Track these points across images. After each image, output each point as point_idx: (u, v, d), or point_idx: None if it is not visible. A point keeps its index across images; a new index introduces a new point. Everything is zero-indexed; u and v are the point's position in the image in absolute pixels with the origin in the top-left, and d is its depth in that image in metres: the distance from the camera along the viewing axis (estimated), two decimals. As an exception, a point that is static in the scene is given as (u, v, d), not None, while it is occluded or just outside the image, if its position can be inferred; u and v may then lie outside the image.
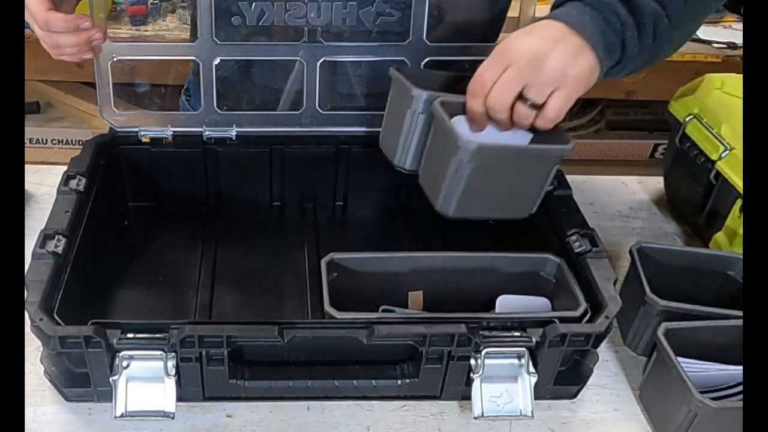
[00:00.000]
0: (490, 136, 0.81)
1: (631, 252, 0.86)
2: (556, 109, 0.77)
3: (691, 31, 0.85)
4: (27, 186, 1.07)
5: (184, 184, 1.04)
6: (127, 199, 1.06)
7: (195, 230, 1.03)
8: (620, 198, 1.14)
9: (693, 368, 0.77)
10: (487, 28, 1.05)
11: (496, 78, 0.77)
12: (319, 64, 0.97)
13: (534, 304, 0.85)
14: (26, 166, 1.06)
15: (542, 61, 0.76)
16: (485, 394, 0.75)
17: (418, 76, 0.87)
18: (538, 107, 0.77)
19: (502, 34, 1.07)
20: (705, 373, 0.78)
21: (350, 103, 1.05)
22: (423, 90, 0.83)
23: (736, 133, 0.96)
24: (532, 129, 0.81)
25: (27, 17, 0.85)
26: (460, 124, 0.81)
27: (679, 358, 0.74)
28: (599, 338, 0.76)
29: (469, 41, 1.01)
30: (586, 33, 0.76)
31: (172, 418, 0.73)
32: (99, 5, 0.92)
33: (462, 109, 0.81)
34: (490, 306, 0.85)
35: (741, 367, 0.78)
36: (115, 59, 0.95)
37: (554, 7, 0.81)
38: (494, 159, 0.79)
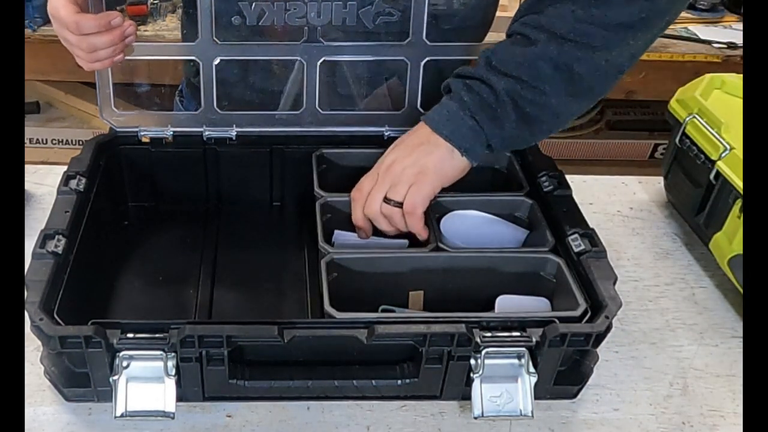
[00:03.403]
0: None
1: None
2: (411, 202, 0.87)
3: (588, 97, 0.88)
4: (27, 186, 1.07)
5: (184, 184, 1.04)
6: (127, 199, 1.05)
7: (195, 230, 1.03)
8: (620, 198, 1.14)
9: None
10: (477, 29, 1.05)
11: (371, 188, 0.89)
12: (319, 64, 0.97)
13: (534, 304, 0.85)
14: (26, 166, 1.06)
15: (397, 166, 0.88)
16: (485, 394, 0.75)
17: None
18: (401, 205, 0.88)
19: (490, 34, 1.07)
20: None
21: (350, 103, 1.05)
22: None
23: (736, 133, 0.96)
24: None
25: (57, 28, 0.86)
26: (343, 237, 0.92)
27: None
28: (599, 338, 0.76)
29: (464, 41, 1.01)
30: (438, 129, 0.88)
31: (172, 418, 0.73)
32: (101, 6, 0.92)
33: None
34: (490, 306, 0.85)
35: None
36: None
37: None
38: None
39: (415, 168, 0.87)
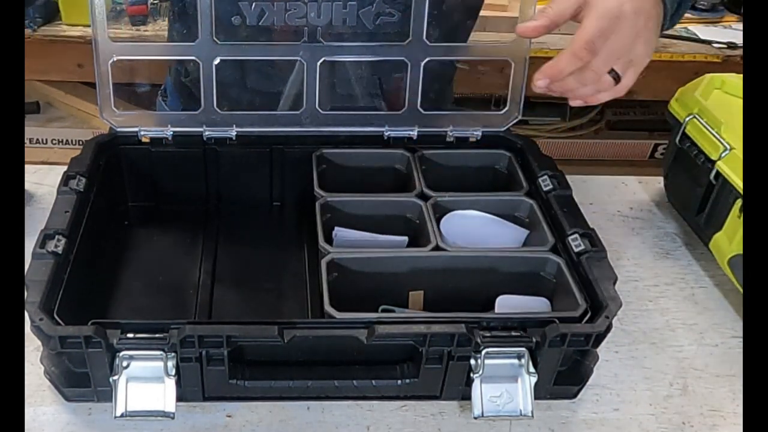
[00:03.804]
0: None
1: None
2: (627, 84, 0.80)
3: None
4: (27, 186, 1.07)
5: (184, 184, 1.04)
6: (127, 199, 1.05)
7: (195, 230, 1.02)
8: (620, 198, 1.14)
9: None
10: (465, 28, 1.05)
11: (600, 48, 0.76)
12: (319, 64, 0.97)
13: (534, 304, 0.85)
14: (26, 166, 1.06)
15: (640, 43, 0.78)
16: (485, 394, 0.75)
17: None
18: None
19: (486, 33, 1.06)
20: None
21: (350, 103, 1.05)
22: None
23: (736, 133, 0.96)
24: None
25: None
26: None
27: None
28: (599, 338, 0.76)
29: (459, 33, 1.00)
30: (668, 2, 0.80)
31: (172, 418, 0.73)
32: (101, 5, 0.92)
33: None
34: (490, 306, 0.85)
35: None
36: (115, 59, 0.95)
37: None
38: None
39: (649, 49, 0.79)
